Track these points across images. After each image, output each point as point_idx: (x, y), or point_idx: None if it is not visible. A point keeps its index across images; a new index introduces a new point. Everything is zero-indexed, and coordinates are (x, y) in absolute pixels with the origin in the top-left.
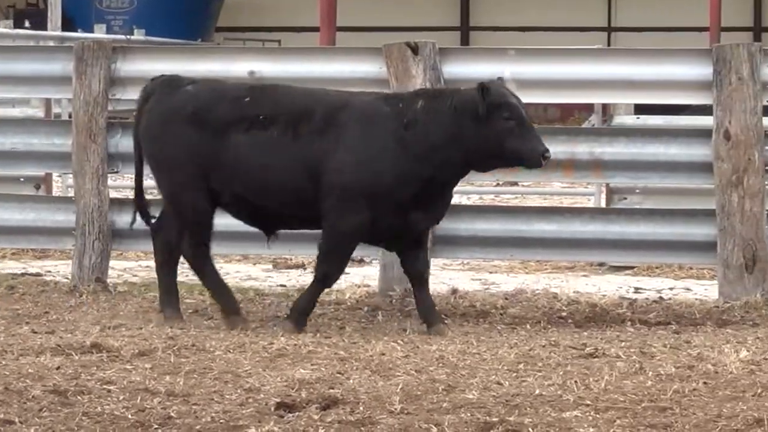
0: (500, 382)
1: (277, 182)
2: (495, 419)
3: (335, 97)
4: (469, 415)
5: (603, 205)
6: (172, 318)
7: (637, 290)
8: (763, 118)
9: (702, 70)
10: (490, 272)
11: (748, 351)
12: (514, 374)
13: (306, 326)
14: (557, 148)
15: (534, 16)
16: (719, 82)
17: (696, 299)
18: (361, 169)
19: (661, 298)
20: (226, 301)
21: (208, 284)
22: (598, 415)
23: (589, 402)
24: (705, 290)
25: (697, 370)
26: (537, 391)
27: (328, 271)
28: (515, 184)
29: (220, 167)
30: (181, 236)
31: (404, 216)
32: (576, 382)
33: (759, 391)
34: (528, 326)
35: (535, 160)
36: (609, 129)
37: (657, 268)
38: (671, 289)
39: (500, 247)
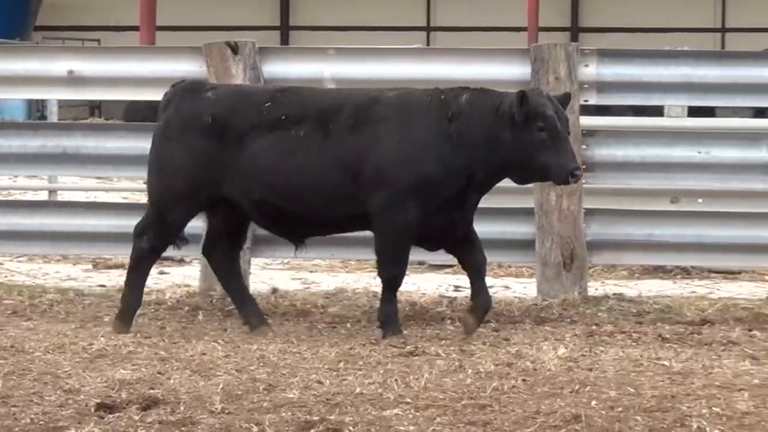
0: (321, 381)
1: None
2: (316, 418)
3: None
4: (290, 414)
5: None
6: (263, 332)
7: (456, 288)
8: (581, 117)
9: (520, 70)
10: (311, 271)
11: (566, 348)
12: (335, 373)
13: (400, 329)
14: None
15: (354, 15)
16: (537, 81)
17: (515, 297)
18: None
19: None
20: (127, 307)
21: (128, 277)
22: (418, 413)
23: (409, 400)
24: (524, 288)
25: (516, 367)
26: (358, 390)
27: (390, 273)
28: None
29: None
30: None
31: (449, 214)
32: (396, 380)
33: (577, 387)
34: (348, 325)
35: (561, 176)
36: None
37: None
38: (491, 287)
39: (320, 247)
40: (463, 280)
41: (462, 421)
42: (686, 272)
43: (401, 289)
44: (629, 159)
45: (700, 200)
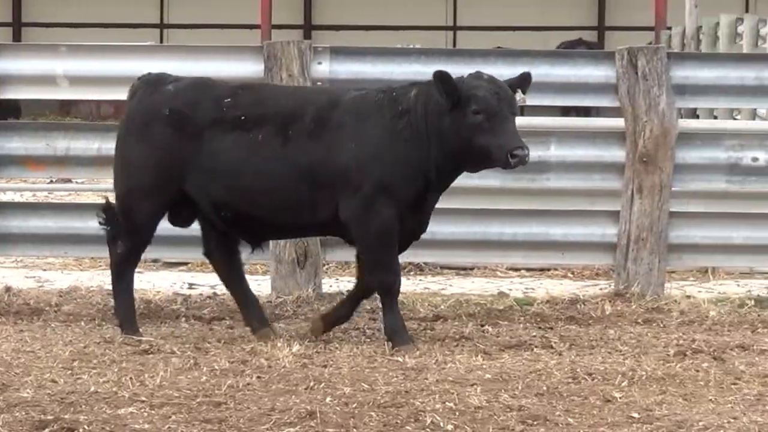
0: (55, 380)
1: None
2: (50, 417)
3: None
4: (23, 413)
5: None
6: (266, 334)
7: (191, 286)
8: None
9: (254, 67)
10: (44, 269)
11: (300, 345)
12: (69, 372)
13: (412, 339)
14: (110, 145)
15: (88, 12)
16: (270, 78)
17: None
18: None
19: (215, 293)
20: (122, 312)
21: (114, 287)
22: (153, 411)
23: (144, 398)
24: (258, 285)
25: (251, 364)
26: (92, 389)
27: (384, 279)
28: (69, 180)
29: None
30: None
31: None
32: (131, 378)
33: (311, 384)
34: (83, 323)
35: (501, 157)
36: None
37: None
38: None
39: (54, 244)
40: (199, 278)
41: (197, 418)
42: (419, 268)
43: (135, 286)
44: None
45: None
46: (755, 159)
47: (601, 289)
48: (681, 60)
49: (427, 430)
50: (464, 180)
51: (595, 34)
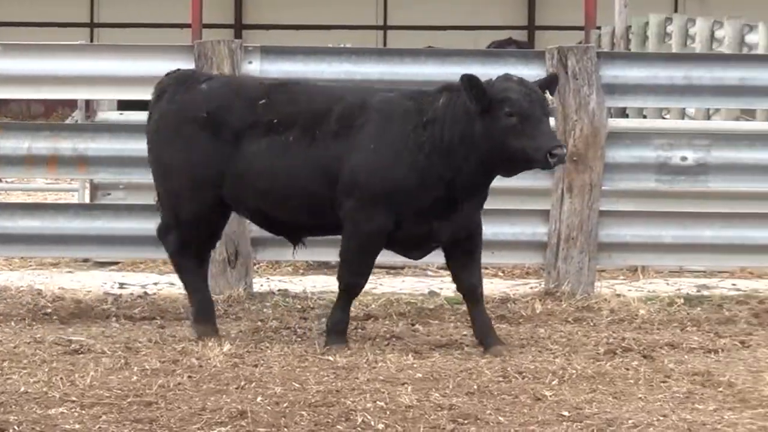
0: None
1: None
2: None
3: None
4: None
5: (87, 200)
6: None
7: (121, 285)
8: None
9: (185, 66)
10: None
11: (231, 344)
12: None
13: (346, 340)
14: (40, 144)
15: (13, 12)
16: None
17: (180, 293)
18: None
19: (145, 293)
20: (199, 308)
21: (183, 280)
22: (83, 411)
23: (74, 398)
24: None
25: (182, 364)
26: (22, 389)
27: (350, 280)
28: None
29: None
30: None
31: (427, 223)
32: (61, 378)
33: (242, 383)
34: (13, 323)
35: (540, 159)
36: (92, 125)
37: (141, 263)
38: (155, 284)
39: None
40: (129, 277)
41: (128, 418)
42: None
43: (65, 286)
44: None
45: None
46: (684, 158)
47: (531, 288)
48: (611, 59)
49: (358, 429)
50: None
51: (526, 34)
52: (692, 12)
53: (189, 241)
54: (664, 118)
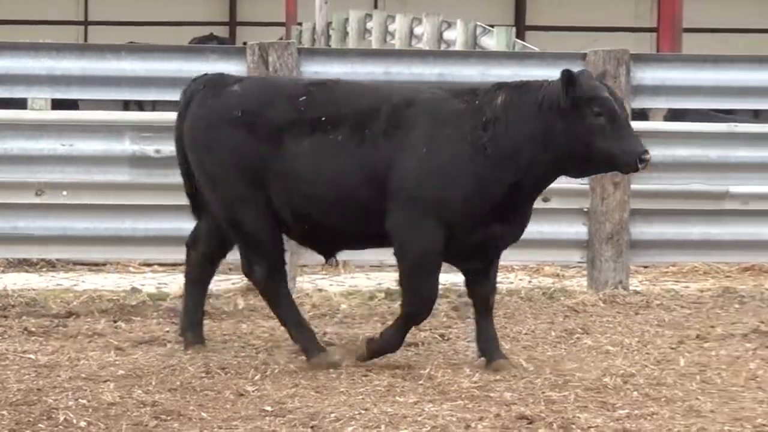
0: None
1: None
2: None
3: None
4: None
5: None
6: (194, 343)
7: None
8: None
9: None
10: None
11: None
12: None
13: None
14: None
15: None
16: None
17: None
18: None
19: None
20: (304, 339)
21: (281, 315)
22: None
23: None
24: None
25: None
26: None
27: (408, 309)
28: None
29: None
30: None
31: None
32: None
33: None
34: None
35: (631, 163)
36: None
37: None
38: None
39: None
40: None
41: None
42: (51, 265)
43: None
44: None
45: (64, 193)
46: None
47: (233, 283)
48: (311, 55)
49: (60, 427)
50: (93, 175)
51: (227, 30)
52: (392, 9)
53: (272, 260)
54: None
